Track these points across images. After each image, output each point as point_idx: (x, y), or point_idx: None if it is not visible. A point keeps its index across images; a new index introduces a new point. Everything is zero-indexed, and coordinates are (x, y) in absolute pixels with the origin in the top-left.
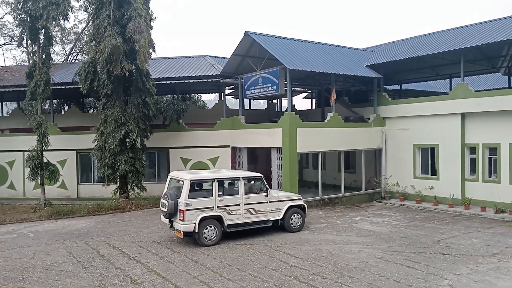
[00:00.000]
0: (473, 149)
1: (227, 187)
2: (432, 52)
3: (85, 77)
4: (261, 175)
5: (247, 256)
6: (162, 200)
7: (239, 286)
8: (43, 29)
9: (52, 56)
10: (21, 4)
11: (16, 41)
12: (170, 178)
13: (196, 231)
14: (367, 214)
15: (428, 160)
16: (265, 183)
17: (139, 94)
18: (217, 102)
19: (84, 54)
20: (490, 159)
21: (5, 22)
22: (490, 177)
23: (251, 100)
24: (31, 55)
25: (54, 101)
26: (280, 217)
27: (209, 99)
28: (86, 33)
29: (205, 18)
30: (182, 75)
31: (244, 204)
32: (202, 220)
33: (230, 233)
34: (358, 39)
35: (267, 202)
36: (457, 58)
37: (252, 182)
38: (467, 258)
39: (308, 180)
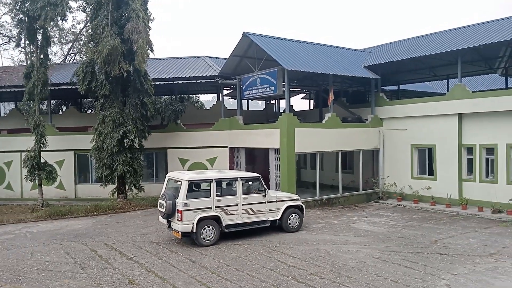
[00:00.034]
0: (470, 150)
1: (225, 187)
2: (429, 53)
3: (83, 78)
4: (259, 175)
5: (245, 256)
6: (160, 201)
7: (237, 286)
8: (41, 30)
9: (50, 56)
10: (19, 4)
11: (14, 41)
12: (168, 179)
13: (194, 231)
14: (365, 214)
15: (426, 161)
16: (263, 183)
17: (137, 95)
18: (215, 103)
19: (82, 55)
20: (487, 159)
21: (3, 22)
22: (487, 178)
23: (249, 101)
24: (29, 55)
25: (52, 101)
26: (278, 217)
27: (207, 99)
28: (84, 33)
29: (205, 18)
30: (180, 76)
31: (242, 205)
32: (200, 220)
33: (228, 233)
34: (358, 39)
35: (265, 203)
36: (455, 59)
37: (250, 183)
38: (465, 258)
39: (306, 180)
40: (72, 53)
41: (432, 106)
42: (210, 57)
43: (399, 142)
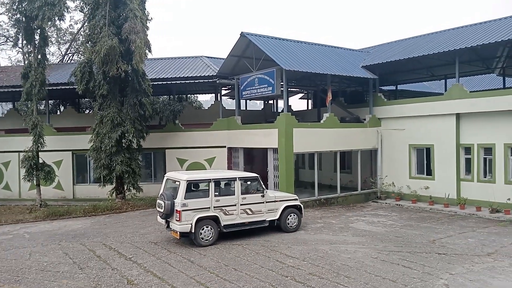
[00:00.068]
0: (468, 149)
1: (223, 187)
2: (427, 53)
3: (81, 78)
4: (258, 175)
5: (244, 256)
6: (158, 201)
7: (236, 286)
8: (39, 30)
9: (47, 56)
10: (16, 4)
11: (11, 41)
12: (167, 179)
13: (193, 231)
14: (363, 214)
15: (424, 160)
16: (262, 183)
17: (135, 95)
18: (213, 103)
19: (80, 55)
20: (485, 159)
21: (0, 22)
22: (485, 177)
23: (248, 101)
24: (27, 55)
25: (49, 101)
26: (277, 217)
27: (206, 99)
28: (82, 33)
29: (207, 17)
30: (178, 76)
31: (241, 205)
32: (199, 220)
33: (227, 233)
34: (358, 39)
35: (263, 203)
36: (452, 59)
37: (249, 183)
38: (463, 258)
39: (304, 180)
40: (70, 53)
41: (430, 106)
42: (208, 57)
43: (397, 142)
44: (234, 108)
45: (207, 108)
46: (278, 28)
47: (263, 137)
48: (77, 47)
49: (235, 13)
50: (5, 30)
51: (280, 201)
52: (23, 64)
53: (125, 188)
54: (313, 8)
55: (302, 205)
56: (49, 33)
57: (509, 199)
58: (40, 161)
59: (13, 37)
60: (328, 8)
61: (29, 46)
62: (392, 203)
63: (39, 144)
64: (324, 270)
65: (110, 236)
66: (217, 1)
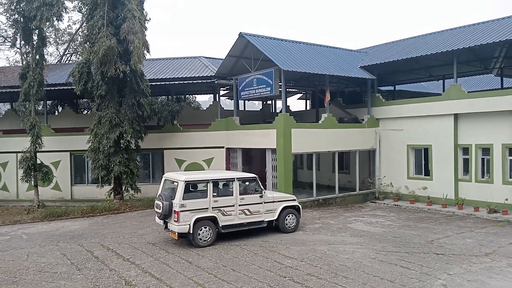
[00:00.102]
0: (466, 150)
1: (221, 188)
2: (425, 54)
3: (79, 78)
4: (256, 176)
5: (242, 257)
6: (156, 201)
7: (234, 287)
8: (37, 30)
9: (45, 57)
10: (14, 4)
11: (9, 41)
12: (165, 179)
13: (191, 232)
14: (361, 214)
15: (422, 161)
16: (260, 184)
17: (134, 95)
18: (211, 103)
19: (78, 55)
20: (483, 159)
21: None
22: (483, 177)
23: (246, 101)
24: (25, 56)
25: (47, 102)
26: (275, 217)
27: (204, 100)
28: (80, 34)
29: (205, 18)
30: (176, 76)
31: (239, 205)
32: (197, 221)
33: (225, 234)
34: (358, 39)
35: (261, 203)
36: (450, 59)
37: (247, 183)
38: (461, 258)
39: (303, 180)
40: (68, 53)
41: (428, 106)
42: (206, 57)
43: (395, 142)
44: (233, 109)
45: (205, 109)
46: (277, 29)
47: (262, 138)
48: (75, 47)
49: (234, 13)
50: (3, 31)
51: (279, 201)
52: (21, 65)
53: (123, 188)
54: (313, 8)
55: (300, 206)
56: (47, 34)
57: (507, 199)
58: (38, 161)
59: (11, 38)
60: (328, 8)
61: (27, 47)
62: (390, 203)
63: (37, 145)
64: (322, 270)
65: (108, 237)
66: (216, 1)
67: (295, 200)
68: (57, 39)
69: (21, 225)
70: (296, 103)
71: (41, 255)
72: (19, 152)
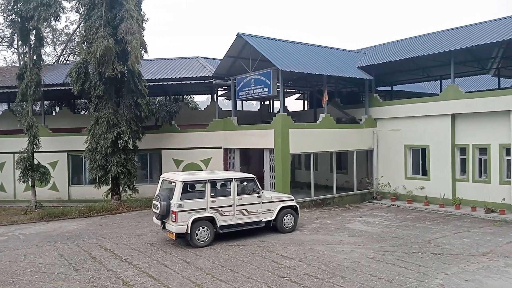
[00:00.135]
0: (463, 150)
1: (219, 188)
2: (422, 54)
3: (77, 78)
4: (254, 176)
5: (240, 257)
6: (154, 202)
7: (232, 287)
8: (34, 30)
9: (43, 57)
10: (12, 4)
11: (7, 42)
12: (162, 180)
13: (189, 232)
14: (359, 214)
15: (419, 161)
16: (258, 184)
17: (131, 96)
18: (209, 104)
19: (75, 55)
20: (480, 159)
21: None
22: (480, 177)
23: (244, 101)
24: (22, 56)
25: (45, 102)
26: (273, 218)
27: (202, 100)
28: (77, 34)
29: (207, 18)
30: (174, 77)
31: (237, 205)
32: (195, 221)
33: (223, 234)
34: (360, 39)
35: (259, 203)
36: (448, 59)
37: (245, 183)
38: (458, 258)
39: (301, 181)
40: (65, 53)
41: (425, 106)
42: (204, 57)
43: (393, 142)
44: (230, 109)
45: (203, 109)
46: (279, 29)
47: (259, 138)
48: (72, 47)
49: (236, 13)
50: (0, 31)
51: (276, 201)
52: (18, 65)
53: (121, 189)
54: (315, 8)
55: (298, 206)
56: (44, 34)
57: (504, 199)
58: (35, 162)
59: (9, 38)
60: (330, 8)
61: (24, 47)
62: (387, 203)
63: (34, 145)
64: (320, 270)
65: (105, 237)
66: (218, 1)
67: (293, 200)
68: (55, 39)
69: (18, 226)
70: (294, 104)
71: (38, 256)
72: (16, 152)
